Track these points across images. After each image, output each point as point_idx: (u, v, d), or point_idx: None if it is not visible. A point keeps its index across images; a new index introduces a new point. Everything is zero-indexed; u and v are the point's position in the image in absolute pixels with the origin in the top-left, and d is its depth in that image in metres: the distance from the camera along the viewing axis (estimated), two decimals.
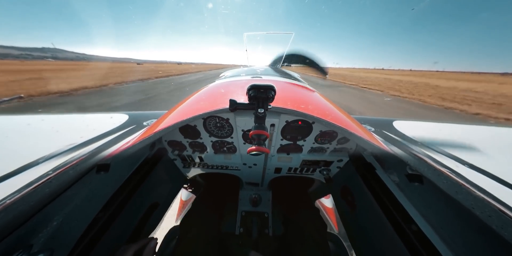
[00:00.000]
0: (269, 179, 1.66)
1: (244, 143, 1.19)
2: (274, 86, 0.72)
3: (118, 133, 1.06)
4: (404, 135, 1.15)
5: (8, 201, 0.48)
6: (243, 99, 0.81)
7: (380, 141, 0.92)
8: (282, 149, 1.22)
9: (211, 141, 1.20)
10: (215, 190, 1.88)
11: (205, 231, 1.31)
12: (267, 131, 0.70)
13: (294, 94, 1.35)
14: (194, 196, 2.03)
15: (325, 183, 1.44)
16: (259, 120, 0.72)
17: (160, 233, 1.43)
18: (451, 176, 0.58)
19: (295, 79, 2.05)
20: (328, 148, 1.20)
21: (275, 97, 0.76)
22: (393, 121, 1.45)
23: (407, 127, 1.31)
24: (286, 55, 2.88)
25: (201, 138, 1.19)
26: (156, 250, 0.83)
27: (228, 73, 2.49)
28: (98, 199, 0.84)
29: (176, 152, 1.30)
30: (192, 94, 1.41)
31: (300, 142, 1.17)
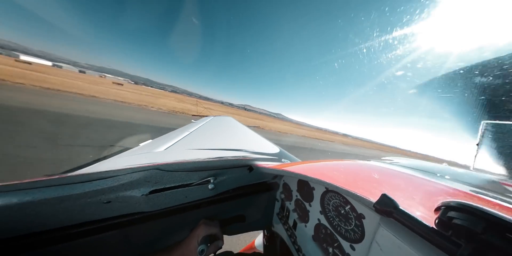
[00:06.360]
0: None
1: None
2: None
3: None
4: None
5: None
6: (414, 206, 0.51)
7: None
8: None
9: (318, 219, 0.84)
10: None
11: None
12: None
13: None
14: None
15: None
16: None
17: None
18: None
19: None
20: None
21: None
22: None
23: None
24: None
25: (310, 206, 0.89)
26: None
27: (402, 160, 1.67)
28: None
29: (283, 195, 1.13)
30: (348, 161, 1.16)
31: None
